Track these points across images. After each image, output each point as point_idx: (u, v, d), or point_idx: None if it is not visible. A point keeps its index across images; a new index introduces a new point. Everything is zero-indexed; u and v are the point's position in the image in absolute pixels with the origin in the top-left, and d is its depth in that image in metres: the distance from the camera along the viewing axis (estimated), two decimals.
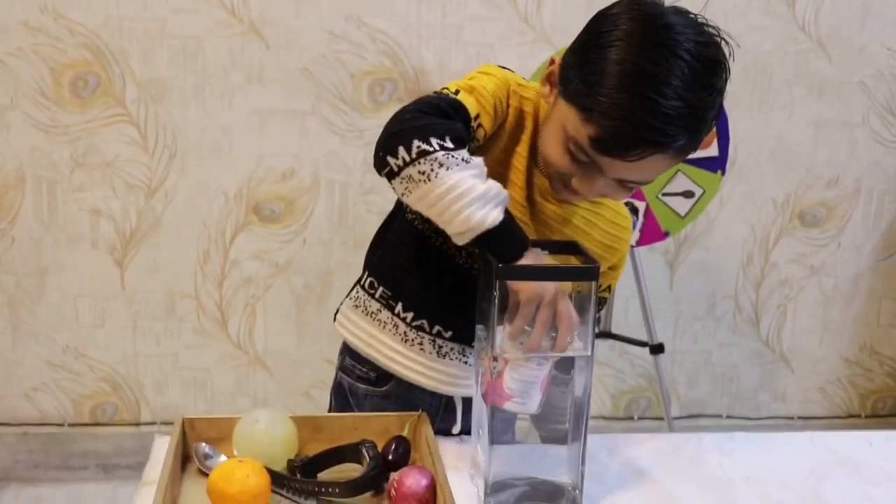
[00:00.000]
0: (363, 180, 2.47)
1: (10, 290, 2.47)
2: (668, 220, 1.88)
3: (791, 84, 2.59)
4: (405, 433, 1.25)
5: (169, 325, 2.55)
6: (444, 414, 1.36)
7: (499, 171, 1.22)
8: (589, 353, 1.11)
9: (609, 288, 1.37)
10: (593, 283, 1.09)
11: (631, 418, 2.82)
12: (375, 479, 1.14)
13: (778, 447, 1.36)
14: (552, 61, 1.19)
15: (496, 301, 1.06)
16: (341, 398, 1.42)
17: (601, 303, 1.38)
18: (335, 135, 2.45)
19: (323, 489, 1.12)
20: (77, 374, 2.55)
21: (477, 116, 1.17)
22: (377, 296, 1.33)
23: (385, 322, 1.32)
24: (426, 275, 1.29)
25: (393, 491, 1.10)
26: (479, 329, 1.16)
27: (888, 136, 2.67)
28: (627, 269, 2.22)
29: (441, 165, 1.06)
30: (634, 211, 1.88)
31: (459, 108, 1.14)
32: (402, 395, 1.34)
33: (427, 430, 1.23)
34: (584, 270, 1.11)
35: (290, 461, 1.18)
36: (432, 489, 1.11)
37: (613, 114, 1.06)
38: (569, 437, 1.14)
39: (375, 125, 2.43)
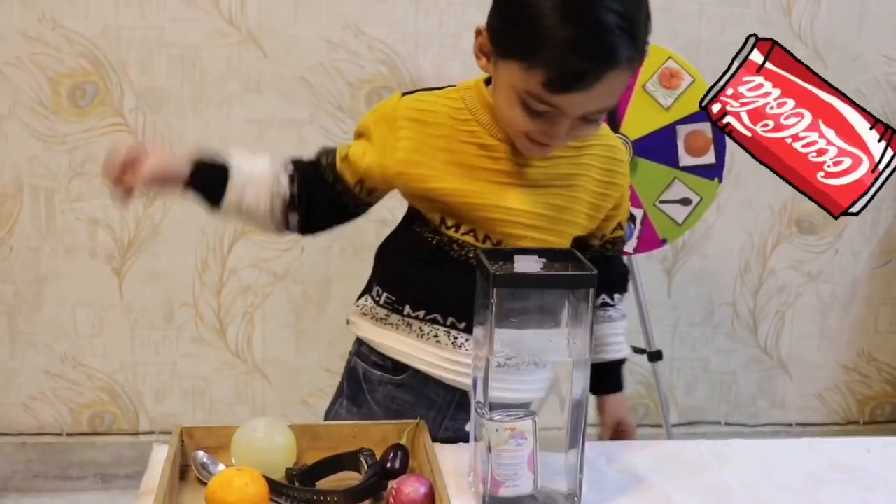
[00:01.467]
0: None
1: (9, 299, 2.47)
2: (666, 227, 1.89)
3: None
4: (403, 441, 1.25)
5: (167, 334, 2.54)
6: (456, 411, 1.36)
7: (487, 170, 1.25)
8: (586, 359, 1.11)
9: (620, 225, 1.39)
10: (591, 291, 1.09)
11: None
12: (374, 488, 1.14)
13: (776, 454, 1.36)
14: (478, 32, 1.23)
15: (493, 308, 1.07)
16: (353, 383, 1.42)
17: (618, 243, 1.41)
18: (333, 143, 2.45)
19: (321, 497, 1.12)
20: (75, 383, 2.55)
21: (359, 181, 1.31)
22: (382, 302, 1.35)
23: (397, 324, 1.34)
24: (428, 272, 1.31)
25: (391, 499, 1.10)
26: (477, 333, 1.16)
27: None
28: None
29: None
30: (632, 219, 1.89)
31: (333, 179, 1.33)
32: (417, 387, 1.35)
33: (425, 438, 1.23)
34: (581, 278, 1.11)
35: (288, 470, 1.18)
36: (431, 497, 1.11)
37: (556, 50, 1.08)
38: (567, 444, 1.14)
39: None
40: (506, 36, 1.15)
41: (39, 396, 2.55)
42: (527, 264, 1.11)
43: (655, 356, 2.27)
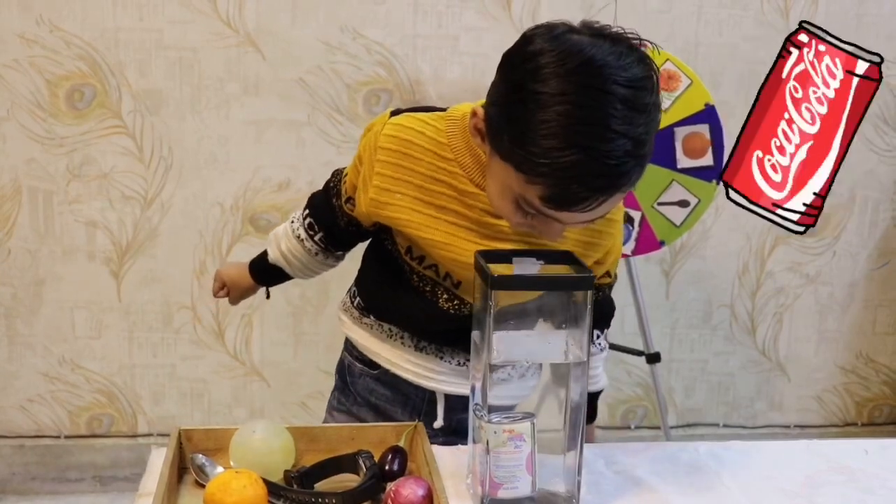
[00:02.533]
0: None
1: (7, 301, 2.47)
2: (664, 229, 1.89)
3: None
4: (402, 443, 1.25)
5: (165, 337, 2.54)
6: (429, 406, 1.39)
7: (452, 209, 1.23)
8: (585, 360, 1.11)
9: (609, 273, 1.39)
10: (588, 293, 1.09)
11: (628, 427, 2.82)
12: (372, 490, 1.14)
13: (774, 456, 1.36)
14: (473, 113, 1.16)
15: (492, 311, 1.07)
16: (342, 374, 1.49)
17: (604, 288, 1.42)
18: (331, 145, 2.45)
19: (320, 500, 1.12)
20: (73, 385, 2.55)
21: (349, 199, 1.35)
22: (355, 304, 1.43)
23: (369, 325, 1.40)
24: (392, 289, 1.34)
25: (390, 501, 1.10)
26: (475, 336, 1.16)
27: (882, 144, 2.68)
28: (623, 278, 2.23)
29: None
30: (630, 220, 1.89)
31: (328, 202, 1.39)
32: (392, 382, 1.40)
33: (424, 440, 1.23)
34: (579, 280, 1.11)
35: (286, 472, 1.18)
36: (429, 499, 1.11)
37: (559, 174, 1.02)
38: (565, 446, 1.14)
39: None
40: (506, 140, 1.06)
41: (37, 399, 2.55)
42: (525, 266, 1.11)
43: (654, 358, 2.27)
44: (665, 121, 1.86)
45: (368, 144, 1.27)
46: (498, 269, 1.09)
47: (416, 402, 1.39)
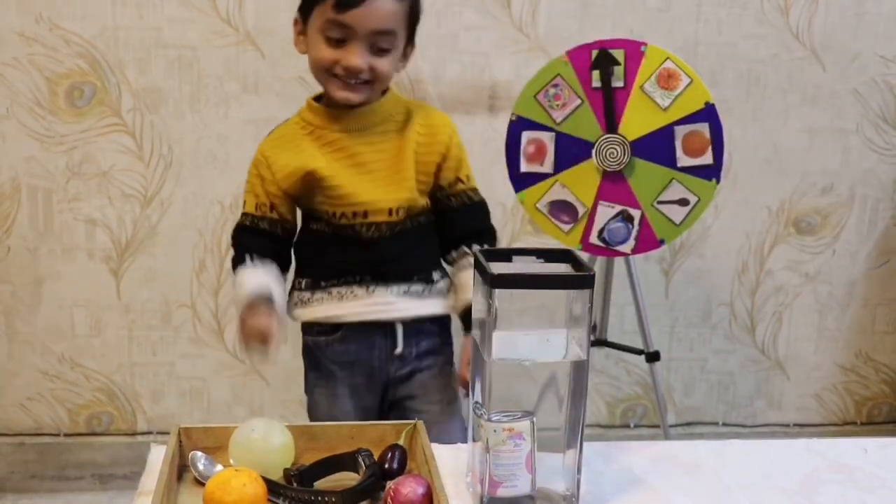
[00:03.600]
0: None
1: (6, 299, 2.47)
2: (664, 228, 1.89)
3: (785, 92, 2.60)
4: (401, 442, 1.25)
5: (165, 335, 2.54)
6: (389, 341, 1.65)
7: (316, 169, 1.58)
8: (585, 359, 1.11)
9: (459, 180, 1.68)
10: (588, 292, 1.09)
11: (627, 426, 2.82)
12: (372, 488, 1.14)
13: (773, 454, 1.36)
14: (295, 21, 1.60)
15: (492, 310, 1.07)
16: (310, 356, 1.73)
17: (460, 196, 1.69)
18: None
19: (319, 498, 1.12)
20: (73, 383, 2.55)
21: (260, 218, 1.65)
22: (303, 287, 1.67)
23: (320, 297, 1.65)
24: (331, 251, 1.62)
25: (389, 499, 1.10)
26: (476, 336, 1.16)
27: (882, 143, 2.68)
28: (623, 276, 2.23)
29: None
30: (630, 219, 1.89)
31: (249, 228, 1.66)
32: (355, 335, 1.65)
33: (423, 438, 1.23)
34: (579, 279, 1.11)
35: (286, 470, 1.18)
36: (429, 497, 1.11)
37: None
38: (565, 445, 1.14)
39: None
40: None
41: (37, 397, 2.55)
42: (525, 265, 1.11)
43: (653, 357, 2.27)
44: (665, 119, 1.86)
45: (255, 165, 1.66)
46: (498, 267, 1.09)
47: (380, 345, 1.64)
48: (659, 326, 2.68)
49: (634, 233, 1.90)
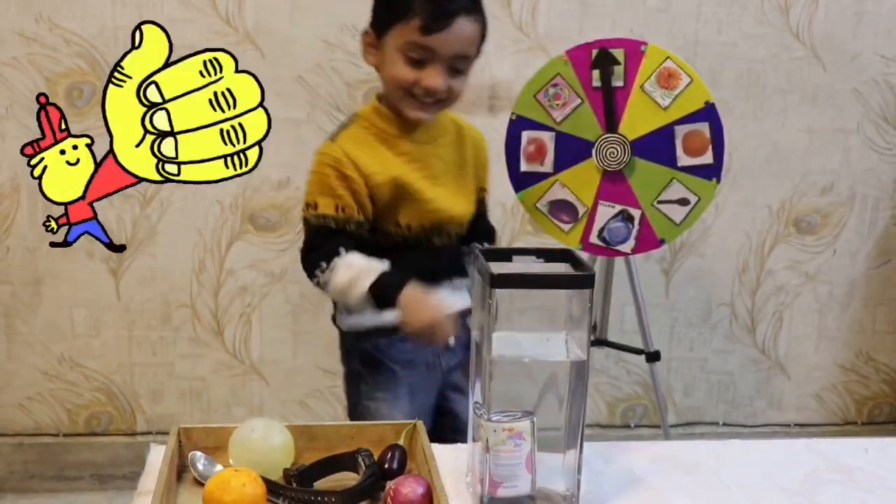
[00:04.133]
0: None
1: (6, 299, 2.47)
2: (664, 227, 1.88)
3: (785, 92, 2.60)
4: (401, 442, 1.25)
5: (164, 335, 2.54)
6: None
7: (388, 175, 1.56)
8: (585, 359, 1.11)
9: (482, 188, 1.76)
10: (588, 292, 1.09)
11: (627, 426, 2.82)
12: (372, 488, 1.14)
13: (774, 454, 1.36)
14: (365, 33, 1.63)
15: (492, 309, 1.07)
16: (369, 363, 1.66)
17: (483, 202, 1.77)
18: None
19: (319, 498, 1.12)
20: (72, 383, 2.55)
21: (346, 221, 1.56)
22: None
23: None
24: (394, 259, 1.58)
25: (389, 499, 1.10)
26: (475, 336, 1.16)
27: (882, 143, 2.68)
28: (623, 276, 2.23)
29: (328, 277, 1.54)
30: (630, 219, 1.88)
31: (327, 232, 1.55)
32: (416, 356, 1.64)
33: (423, 438, 1.23)
34: (579, 278, 1.11)
35: (286, 470, 1.18)
36: (429, 497, 1.11)
37: (422, 3, 1.49)
38: (565, 445, 1.14)
39: None
40: (388, 13, 1.55)
41: (36, 397, 2.55)
42: (525, 264, 1.11)
43: (653, 357, 2.27)
44: (665, 119, 1.85)
45: (338, 161, 1.57)
46: (498, 267, 1.09)
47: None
48: (659, 326, 2.68)
49: (634, 232, 1.89)
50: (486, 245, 1.75)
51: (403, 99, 1.56)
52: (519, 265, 1.13)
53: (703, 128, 1.85)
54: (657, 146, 1.87)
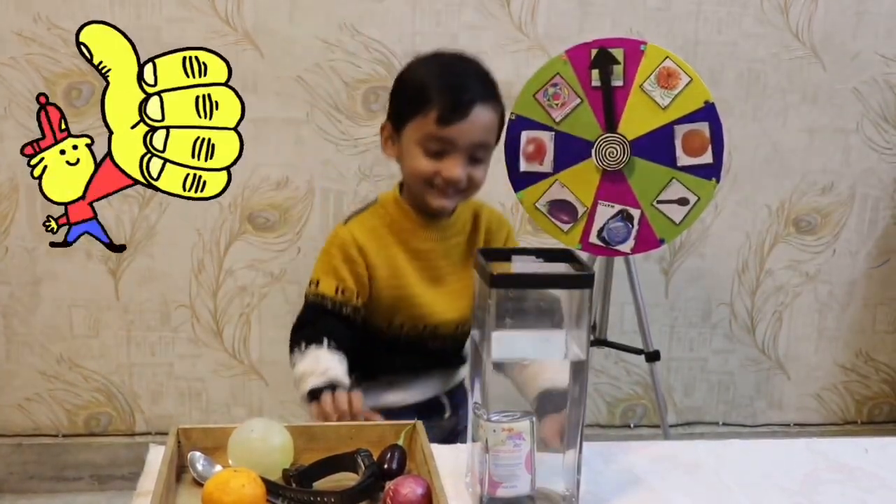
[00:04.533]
0: (358, 189, 2.47)
1: (4, 300, 2.47)
2: (663, 227, 1.88)
3: (785, 91, 2.60)
4: (401, 442, 1.25)
5: (163, 335, 2.54)
6: (436, 408, 1.67)
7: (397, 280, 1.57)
8: (584, 359, 1.11)
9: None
10: (587, 291, 1.09)
11: (627, 426, 2.82)
12: (371, 488, 1.14)
13: (774, 454, 1.36)
14: (383, 128, 1.60)
15: (492, 309, 1.07)
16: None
17: None
18: (330, 143, 2.45)
19: (318, 499, 1.12)
20: (71, 384, 2.55)
21: (343, 304, 1.55)
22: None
23: (366, 387, 1.54)
24: (387, 355, 1.61)
25: (388, 500, 1.10)
26: (475, 335, 1.16)
27: (882, 142, 2.68)
28: (622, 276, 2.23)
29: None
30: (629, 218, 1.89)
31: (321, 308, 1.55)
32: (401, 408, 1.61)
33: (422, 438, 1.23)
34: (579, 278, 1.11)
35: (285, 471, 1.18)
36: (428, 498, 1.11)
37: (438, 97, 1.49)
38: (564, 445, 1.14)
39: (370, 133, 2.44)
40: (404, 108, 1.54)
41: (35, 398, 2.55)
42: (525, 264, 1.11)
43: (653, 356, 2.27)
44: (664, 118, 1.85)
45: (345, 244, 1.56)
46: (498, 267, 1.09)
47: (428, 411, 1.63)
48: (659, 326, 2.68)
49: (634, 232, 1.89)
50: None
51: (425, 190, 1.54)
52: (518, 265, 1.12)
53: (703, 127, 1.85)
54: (657, 146, 1.87)
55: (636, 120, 1.86)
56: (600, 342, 2.33)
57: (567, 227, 1.92)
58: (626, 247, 1.91)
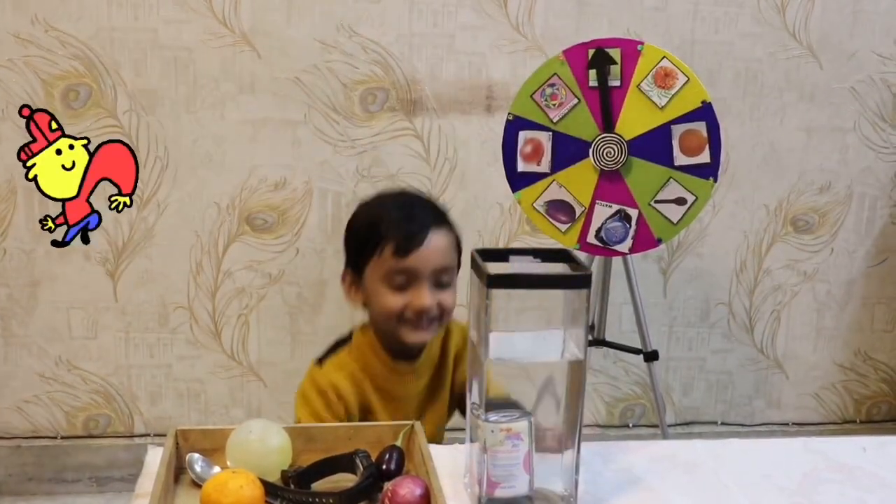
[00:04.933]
0: (356, 189, 2.47)
1: (2, 302, 2.47)
2: (661, 227, 1.88)
3: (782, 90, 2.60)
4: (399, 443, 1.25)
5: (162, 337, 2.54)
6: None
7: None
8: (582, 359, 1.11)
9: None
10: (585, 292, 1.09)
11: (626, 426, 2.82)
12: (370, 489, 1.14)
13: (772, 453, 1.36)
14: (343, 277, 1.63)
15: (489, 310, 1.07)
16: None
17: None
18: (327, 144, 2.45)
19: (317, 499, 1.12)
20: (70, 386, 2.54)
21: None
22: None
23: None
24: None
25: (387, 500, 1.10)
26: (472, 336, 1.16)
27: (879, 141, 2.68)
28: (620, 275, 2.23)
29: None
30: (627, 218, 1.89)
31: None
32: None
33: (421, 439, 1.23)
34: (576, 278, 1.11)
35: (283, 472, 1.18)
36: (427, 498, 1.11)
37: (390, 230, 1.52)
38: (562, 445, 1.14)
39: (368, 134, 2.44)
40: (360, 247, 1.57)
41: (34, 399, 2.54)
42: (522, 264, 1.11)
43: (651, 356, 2.27)
44: (662, 118, 1.85)
45: (324, 390, 1.57)
46: (495, 267, 1.09)
47: None
48: (657, 326, 2.68)
49: (632, 232, 1.89)
50: None
51: (398, 326, 1.55)
52: (516, 265, 1.12)
53: (700, 127, 1.85)
54: (654, 145, 1.87)
55: (633, 120, 1.86)
56: (599, 342, 2.33)
57: (565, 227, 1.92)
58: (624, 247, 1.91)
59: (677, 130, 1.86)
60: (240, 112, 2.41)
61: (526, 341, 1.13)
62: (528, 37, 2.46)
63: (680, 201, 1.88)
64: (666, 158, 1.87)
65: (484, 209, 2.54)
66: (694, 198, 1.87)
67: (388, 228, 1.53)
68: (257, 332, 2.57)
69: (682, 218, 1.88)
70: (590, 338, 2.31)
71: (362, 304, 1.61)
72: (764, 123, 2.62)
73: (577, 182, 1.90)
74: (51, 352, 2.51)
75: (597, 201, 1.91)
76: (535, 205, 1.92)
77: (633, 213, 1.89)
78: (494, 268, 1.08)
